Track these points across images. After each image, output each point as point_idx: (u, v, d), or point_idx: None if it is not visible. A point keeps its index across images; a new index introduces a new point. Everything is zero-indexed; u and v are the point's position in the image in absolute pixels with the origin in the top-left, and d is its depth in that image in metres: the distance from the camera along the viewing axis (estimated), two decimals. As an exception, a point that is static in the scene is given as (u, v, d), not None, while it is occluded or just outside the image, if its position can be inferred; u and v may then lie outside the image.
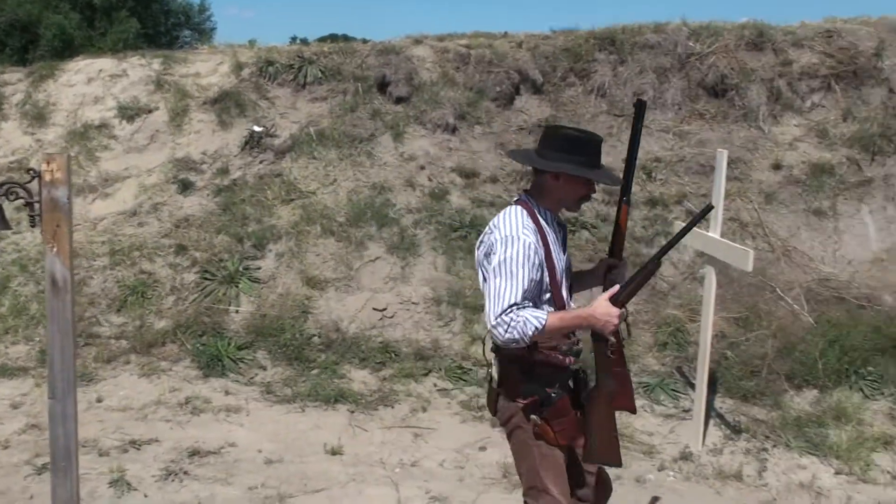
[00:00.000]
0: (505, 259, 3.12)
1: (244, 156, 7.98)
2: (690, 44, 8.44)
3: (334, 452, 5.31)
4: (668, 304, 7.05)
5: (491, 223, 3.32)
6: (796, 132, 8.16)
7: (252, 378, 6.25)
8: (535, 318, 3.04)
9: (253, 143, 7.87)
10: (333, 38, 21.55)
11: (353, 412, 5.86)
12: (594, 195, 3.52)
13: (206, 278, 7.00)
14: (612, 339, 3.22)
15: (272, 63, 8.50)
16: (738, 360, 6.42)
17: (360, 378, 6.28)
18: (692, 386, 5.99)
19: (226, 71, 8.83)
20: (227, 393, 6.06)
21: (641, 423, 5.88)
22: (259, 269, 7.06)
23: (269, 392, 6.06)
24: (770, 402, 6.09)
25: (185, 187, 7.75)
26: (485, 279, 3.23)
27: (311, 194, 7.49)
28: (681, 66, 8.36)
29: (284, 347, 6.45)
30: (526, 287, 3.10)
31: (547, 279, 3.22)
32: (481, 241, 3.32)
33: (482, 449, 5.47)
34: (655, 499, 4.96)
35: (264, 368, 6.36)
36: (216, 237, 7.33)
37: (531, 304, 3.13)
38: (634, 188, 7.73)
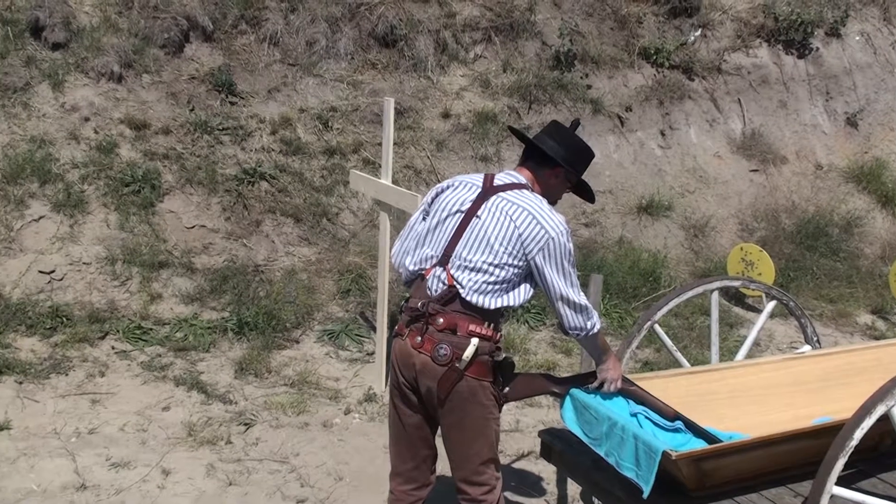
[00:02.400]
0: (571, 253, 3.33)
1: None
2: (360, -7, 8.57)
3: (1, 428, 4.94)
4: (349, 251, 7.21)
5: (522, 204, 3.31)
6: (462, 82, 8.58)
7: None
8: (597, 320, 3.46)
9: None
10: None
11: (21, 383, 5.46)
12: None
13: None
14: (596, 383, 3.63)
15: None
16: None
17: (28, 346, 5.86)
18: (375, 329, 6.20)
19: None
20: None
21: (327, 370, 6.02)
22: None
23: (-81, 371, 5.49)
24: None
25: None
26: (514, 257, 3.28)
27: (-42, 150, 6.81)
28: (352, 16, 8.46)
29: (-64, 320, 5.87)
30: None
31: None
32: (521, 223, 3.27)
33: (166, 409, 5.34)
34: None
35: (-88, 344, 5.75)
36: None
37: None
38: (311, 138, 7.79)
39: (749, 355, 4.66)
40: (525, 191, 3.37)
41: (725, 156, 9.09)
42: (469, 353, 3.24)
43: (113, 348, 5.98)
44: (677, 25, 9.50)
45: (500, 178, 3.43)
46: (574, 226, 7.95)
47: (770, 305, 4.65)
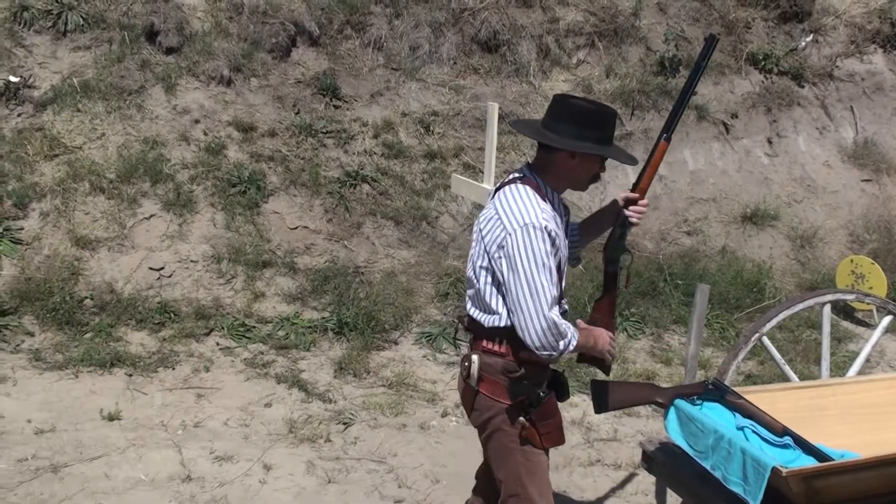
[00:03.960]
0: (534, 252, 2.85)
1: (-1, 108, 7.40)
2: (464, -1, 8.61)
3: (112, 418, 5.11)
4: (448, 255, 7.24)
5: (495, 203, 3.00)
6: (564, 87, 8.53)
7: (18, 345, 5.87)
8: (572, 335, 2.96)
9: (9, 94, 7.30)
10: (95, -18, 20.19)
11: (131, 375, 5.65)
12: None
13: (-40, 241, 6.48)
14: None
15: (27, 8, 7.88)
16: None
17: (137, 340, 6.06)
18: (472, 333, 6.19)
19: (-26, 15, 8.11)
20: (-10, 363, 5.67)
21: (424, 372, 6.05)
22: (22, 229, 6.61)
23: (38, 359, 5.71)
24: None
25: (-68, 142, 7.10)
26: (484, 266, 3.00)
27: (77, 149, 7.07)
28: (455, 21, 8.51)
29: (54, 312, 6.09)
30: (554, 282, 2.92)
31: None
32: (485, 224, 3.01)
33: (267, 406, 5.44)
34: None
35: (32, 335, 5.99)
36: (-30, 196, 6.79)
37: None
38: (412, 142, 7.85)
39: (860, 372, 4.50)
40: (513, 186, 3.02)
41: (835, 165, 8.81)
42: (473, 369, 3.07)
43: (217, 344, 6.13)
44: (787, 31, 9.26)
45: (506, 178, 3.14)
46: (675, 234, 7.82)
47: (886, 321, 4.48)
